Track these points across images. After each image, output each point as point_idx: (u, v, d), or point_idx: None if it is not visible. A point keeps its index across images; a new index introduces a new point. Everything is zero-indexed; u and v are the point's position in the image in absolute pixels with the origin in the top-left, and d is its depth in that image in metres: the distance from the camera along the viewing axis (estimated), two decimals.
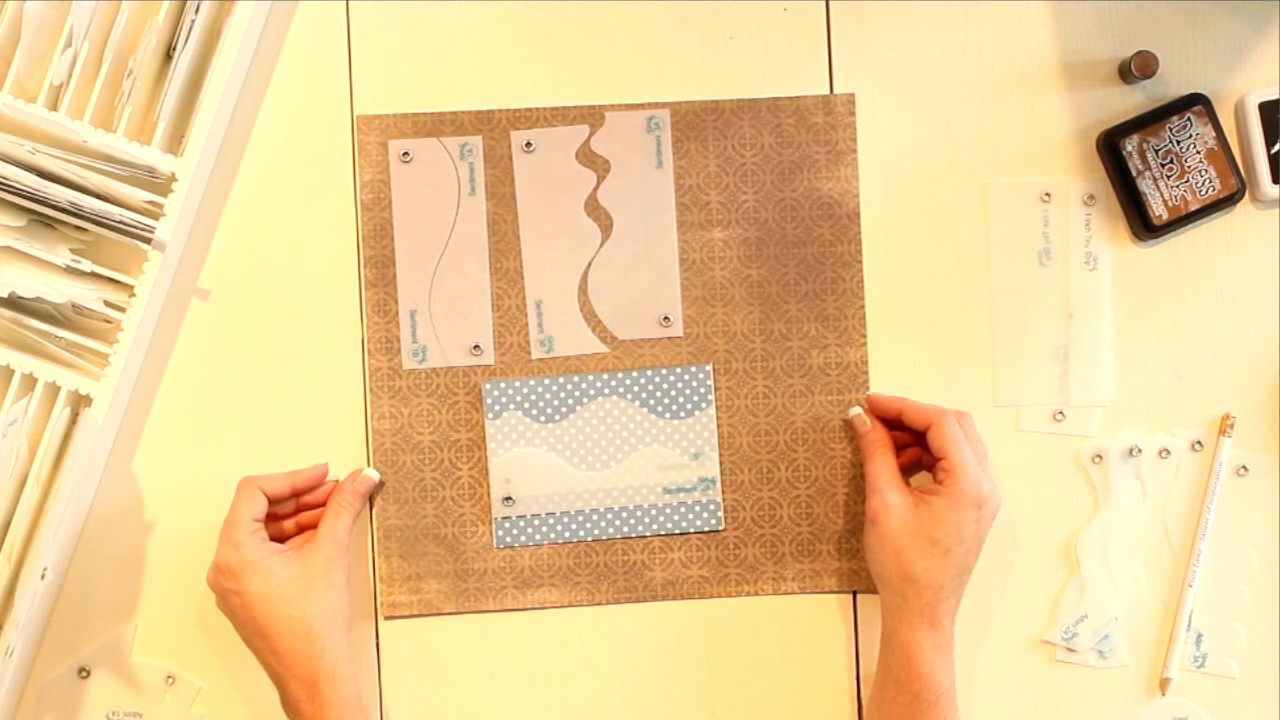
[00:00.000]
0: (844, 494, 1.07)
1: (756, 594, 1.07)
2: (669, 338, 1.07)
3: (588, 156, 1.07)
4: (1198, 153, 1.05)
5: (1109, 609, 1.06)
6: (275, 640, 0.99)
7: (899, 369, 1.07)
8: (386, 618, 1.06)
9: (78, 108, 1.02)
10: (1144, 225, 1.06)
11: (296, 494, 1.05)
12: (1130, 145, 1.05)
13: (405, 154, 1.07)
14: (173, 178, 1.02)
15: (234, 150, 1.07)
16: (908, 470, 1.05)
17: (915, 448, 1.05)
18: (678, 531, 1.07)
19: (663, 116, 1.07)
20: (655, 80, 1.07)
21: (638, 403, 1.07)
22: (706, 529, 1.07)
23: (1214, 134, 1.05)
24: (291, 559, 1.01)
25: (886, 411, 1.05)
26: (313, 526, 1.04)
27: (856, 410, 1.06)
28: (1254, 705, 1.06)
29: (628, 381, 1.07)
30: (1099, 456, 1.07)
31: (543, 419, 1.06)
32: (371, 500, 1.06)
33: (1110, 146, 1.06)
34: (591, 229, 1.07)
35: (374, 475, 1.06)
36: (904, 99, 1.08)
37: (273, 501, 1.03)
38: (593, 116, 1.07)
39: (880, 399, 1.05)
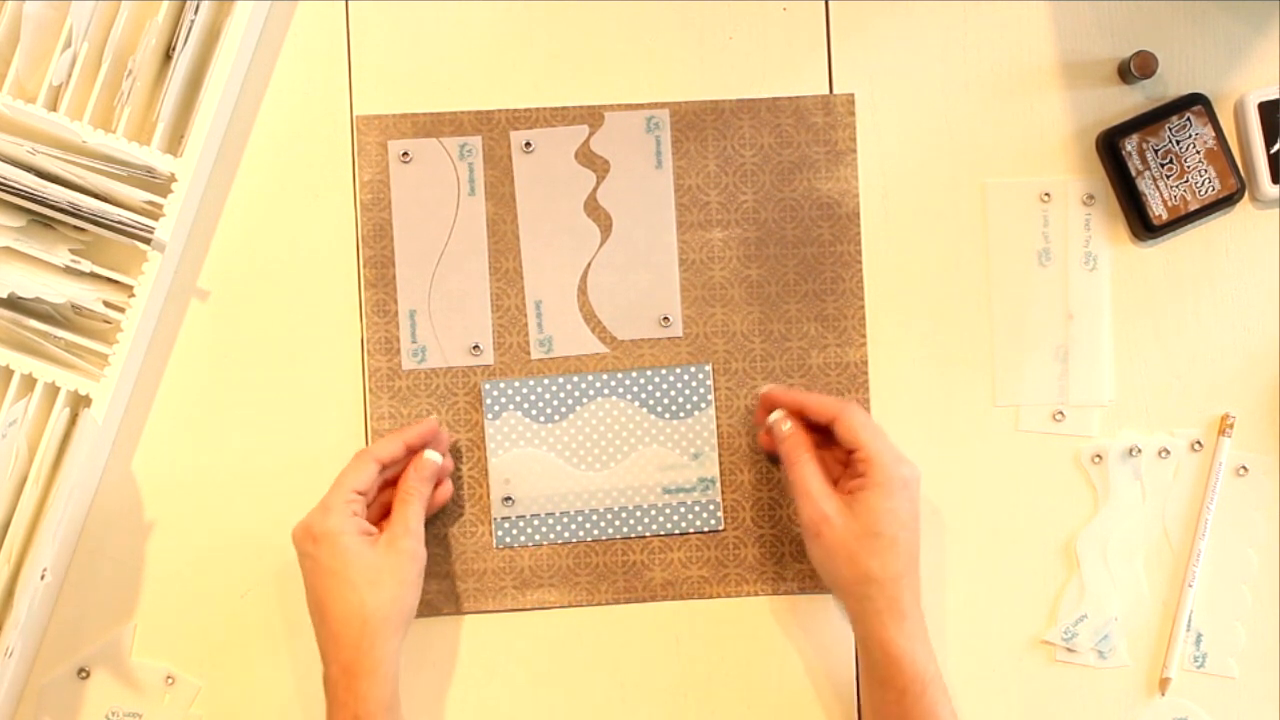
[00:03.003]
0: None
1: (756, 594, 1.07)
2: (668, 338, 1.07)
3: (587, 156, 1.07)
4: (1197, 153, 1.05)
5: (1109, 609, 1.06)
6: (330, 619, 0.96)
7: (899, 369, 1.07)
8: None
9: (77, 108, 1.02)
10: (1143, 225, 1.05)
11: (411, 452, 1.02)
12: (1130, 145, 1.05)
13: (405, 154, 1.07)
14: (172, 178, 1.02)
15: (234, 150, 1.07)
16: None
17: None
18: (677, 532, 1.07)
19: (662, 116, 1.07)
20: (655, 80, 1.07)
21: (637, 403, 1.07)
22: (706, 529, 1.07)
23: (1213, 134, 1.05)
24: (369, 545, 0.98)
25: (788, 408, 1.02)
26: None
27: (777, 414, 1.02)
28: (1254, 705, 1.06)
29: (627, 382, 1.07)
30: (1098, 456, 1.07)
31: (542, 419, 1.06)
32: None
33: (1110, 146, 1.06)
34: (591, 229, 1.07)
35: (436, 458, 1.02)
36: (904, 99, 1.08)
37: (389, 465, 1.01)
38: (592, 116, 1.07)
39: (778, 395, 1.02)
